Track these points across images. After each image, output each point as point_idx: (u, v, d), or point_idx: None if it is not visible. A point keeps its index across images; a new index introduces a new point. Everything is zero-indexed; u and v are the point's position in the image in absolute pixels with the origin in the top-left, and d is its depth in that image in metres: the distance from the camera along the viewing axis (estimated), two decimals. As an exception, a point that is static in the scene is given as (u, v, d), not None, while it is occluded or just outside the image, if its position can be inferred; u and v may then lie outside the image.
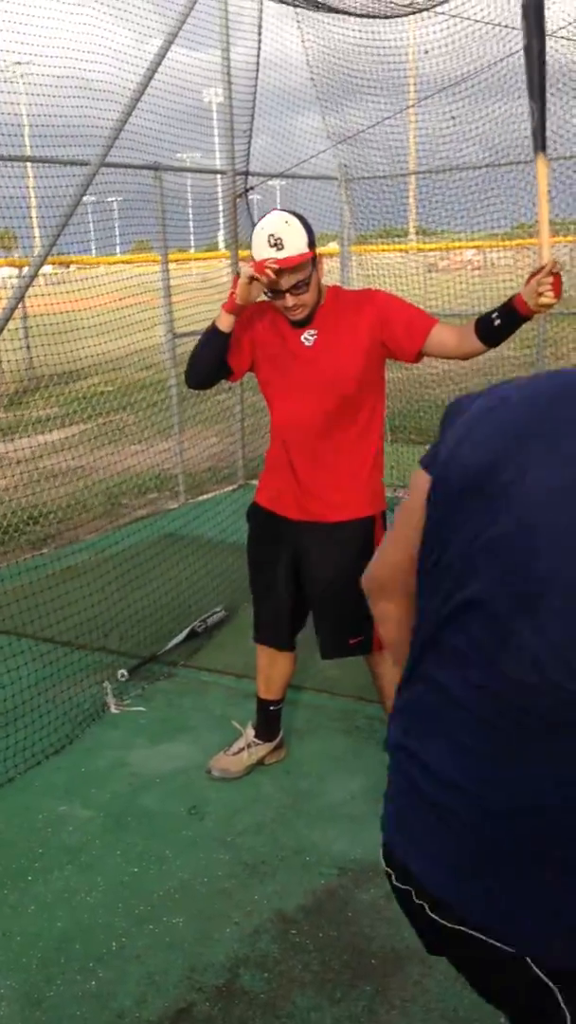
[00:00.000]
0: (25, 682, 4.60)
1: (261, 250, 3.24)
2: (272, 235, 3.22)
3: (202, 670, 4.92)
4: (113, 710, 4.56)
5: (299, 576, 3.69)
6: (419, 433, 9.77)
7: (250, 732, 4.02)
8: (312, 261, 3.29)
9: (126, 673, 4.76)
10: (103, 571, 5.79)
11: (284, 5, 6.65)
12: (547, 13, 3.20)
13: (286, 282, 3.26)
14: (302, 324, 3.41)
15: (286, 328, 3.45)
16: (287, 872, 3.35)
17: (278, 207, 3.32)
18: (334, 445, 3.47)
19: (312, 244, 3.28)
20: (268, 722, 4.00)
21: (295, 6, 6.61)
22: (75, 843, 3.58)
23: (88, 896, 3.28)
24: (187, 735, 4.29)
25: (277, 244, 3.22)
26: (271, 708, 3.99)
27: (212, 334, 3.44)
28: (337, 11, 6.51)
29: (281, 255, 3.22)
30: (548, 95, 3.25)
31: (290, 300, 3.30)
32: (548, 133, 3.24)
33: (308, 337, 3.42)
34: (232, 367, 3.55)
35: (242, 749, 3.99)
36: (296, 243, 3.23)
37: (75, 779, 4.02)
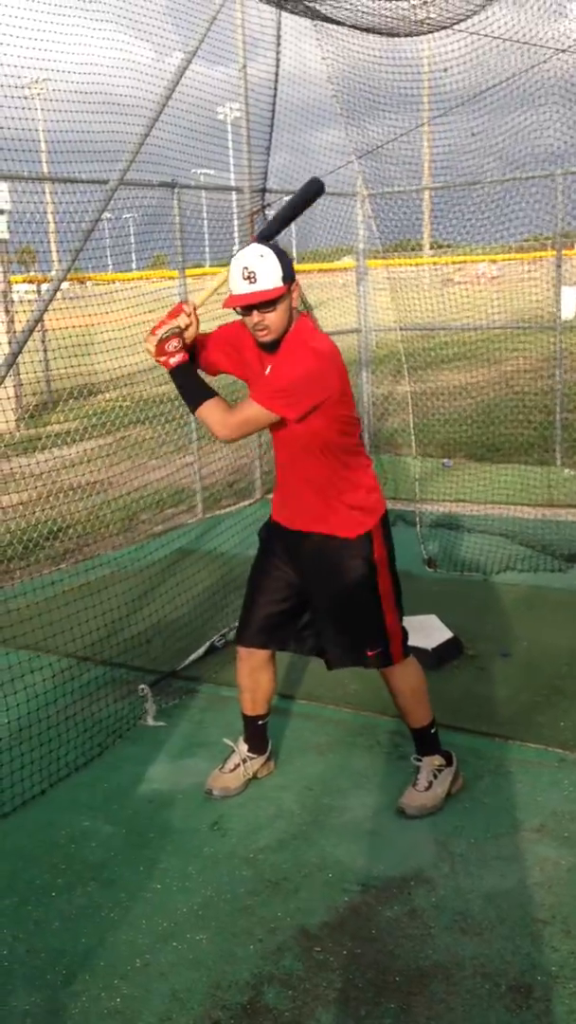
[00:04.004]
0: (45, 698, 4.62)
1: (235, 282, 3.32)
2: (246, 268, 3.30)
3: (222, 685, 4.93)
4: (150, 721, 4.57)
5: (300, 588, 3.76)
6: (436, 447, 9.77)
7: (243, 747, 4.03)
8: (287, 292, 3.36)
9: (146, 688, 4.77)
10: (122, 587, 5.81)
11: (303, 18, 6.67)
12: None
13: (257, 314, 3.35)
14: (269, 350, 3.47)
15: (258, 354, 3.54)
16: (310, 889, 3.34)
17: (256, 243, 3.38)
18: (300, 469, 3.61)
19: (288, 277, 3.34)
20: (257, 736, 4.04)
21: (313, 19, 6.63)
22: (98, 859, 3.58)
23: (112, 912, 3.28)
24: (208, 750, 4.29)
25: (250, 277, 3.30)
26: (258, 723, 4.03)
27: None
28: (355, 27, 6.54)
29: (254, 288, 3.30)
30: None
31: (256, 316, 3.35)
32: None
33: (268, 369, 3.50)
34: (203, 364, 3.69)
35: (238, 765, 4.00)
36: (270, 277, 3.30)
37: (97, 795, 4.03)
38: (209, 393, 3.49)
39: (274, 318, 3.36)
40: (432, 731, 3.85)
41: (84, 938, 3.16)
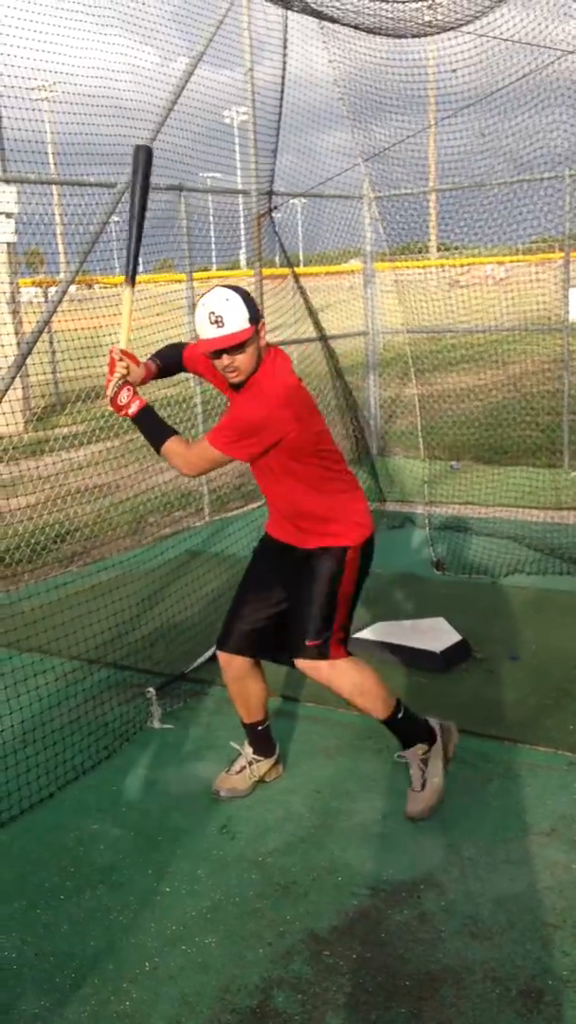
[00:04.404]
0: (53, 700, 4.62)
1: (203, 328, 3.41)
2: (213, 313, 3.37)
3: (230, 688, 4.91)
4: (156, 724, 4.56)
5: (282, 597, 3.83)
6: (444, 449, 9.76)
7: (248, 750, 4.04)
8: (254, 333, 3.42)
9: (153, 691, 4.76)
10: (130, 589, 5.81)
11: (310, 20, 6.67)
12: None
13: (227, 357, 3.42)
14: (235, 389, 3.55)
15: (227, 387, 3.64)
16: (319, 892, 3.33)
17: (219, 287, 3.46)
18: (275, 496, 3.75)
19: (254, 318, 3.42)
20: (261, 740, 4.04)
21: (320, 20, 6.63)
22: (107, 862, 3.58)
23: (120, 915, 3.28)
24: (217, 753, 4.29)
25: (218, 322, 3.37)
26: (259, 729, 4.03)
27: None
28: (361, 28, 6.54)
29: (222, 332, 3.37)
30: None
31: (225, 359, 3.43)
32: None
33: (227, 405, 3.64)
34: (186, 364, 3.85)
35: (244, 767, 4.01)
36: (236, 320, 3.38)
37: (106, 798, 4.02)
38: (170, 432, 3.65)
39: (243, 359, 3.44)
40: (400, 718, 3.83)
41: (93, 941, 3.16)
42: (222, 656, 3.91)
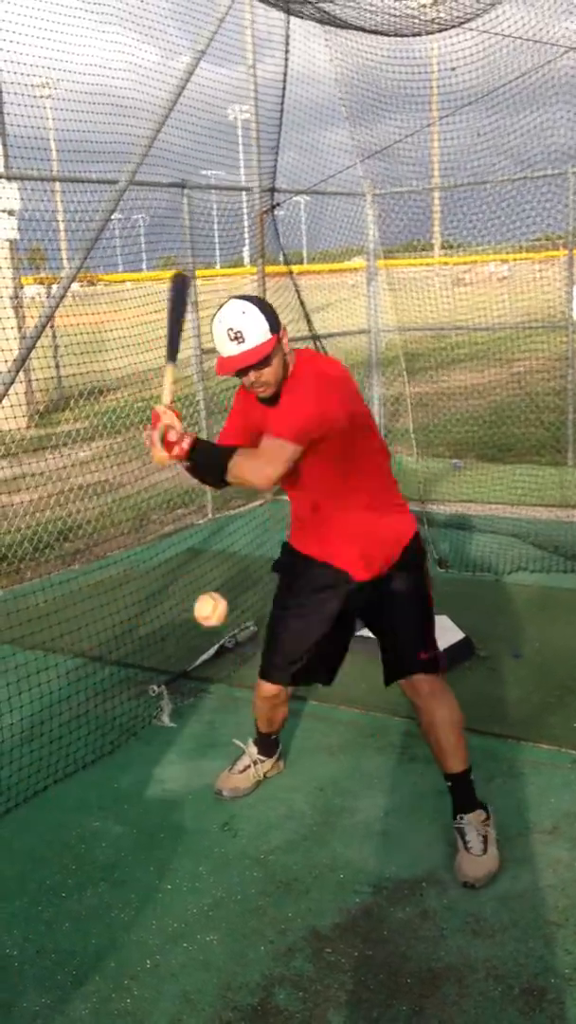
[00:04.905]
0: (55, 697, 4.62)
1: (223, 345, 3.19)
2: (231, 329, 3.16)
3: (234, 686, 4.91)
4: (166, 720, 4.57)
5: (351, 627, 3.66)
6: (447, 447, 9.74)
7: (253, 749, 4.01)
8: (277, 343, 3.21)
9: (156, 688, 4.76)
10: (133, 586, 5.81)
11: (310, 22, 6.67)
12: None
13: (253, 373, 3.22)
14: (271, 403, 3.31)
15: (262, 408, 3.37)
16: (321, 890, 3.33)
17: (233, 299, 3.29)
18: (341, 506, 3.44)
19: (274, 327, 3.20)
20: (269, 744, 4.02)
21: (321, 23, 6.63)
22: (108, 859, 3.58)
23: (122, 913, 3.27)
24: (220, 751, 4.28)
25: (238, 338, 3.16)
26: (272, 737, 4.01)
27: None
28: (364, 30, 6.53)
29: (243, 348, 3.16)
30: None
31: (252, 375, 3.22)
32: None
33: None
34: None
35: (248, 767, 3.98)
36: (256, 333, 3.16)
37: (108, 795, 4.02)
38: (230, 450, 3.29)
39: (270, 372, 3.22)
40: (471, 777, 3.52)
41: (94, 939, 3.15)
42: (266, 686, 3.73)
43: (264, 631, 5.31)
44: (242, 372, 3.23)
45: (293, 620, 3.62)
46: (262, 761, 4.00)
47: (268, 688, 3.74)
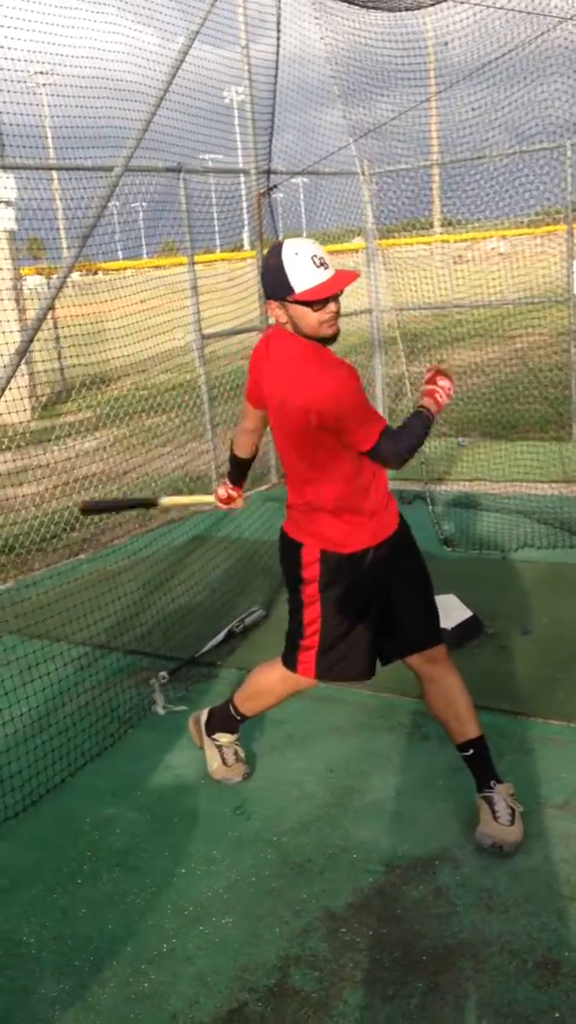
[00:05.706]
0: (63, 685, 4.63)
1: (309, 275, 3.07)
2: (315, 256, 3.07)
3: (242, 670, 4.91)
4: (160, 711, 4.57)
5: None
6: (451, 425, 9.72)
7: (226, 738, 3.92)
8: None
9: (166, 675, 4.77)
10: (139, 574, 5.82)
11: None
12: None
13: (334, 304, 3.17)
14: (332, 342, 3.26)
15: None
16: (334, 870, 3.34)
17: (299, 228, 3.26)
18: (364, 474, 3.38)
19: None
20: (234, 721, 3.92)
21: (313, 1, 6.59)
22: (123, 845, 3.60)
23: (137, 898, 3.29)
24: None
25: (323, 263, 3.08)
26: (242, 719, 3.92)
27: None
28: (356, 4, 6.48)
29: (330, 273, 3.10)
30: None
31: (332, 305, 3.15)
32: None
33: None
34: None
35: (236, 752, 3.94)
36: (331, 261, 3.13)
37: (120, 782, 4.04)
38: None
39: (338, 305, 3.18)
40: (487, 744, 3.49)
41: (111, 924, 3.17)
42: (305, 681, 3.63)
43: (272, 615, 5.32)
44: (323, 304, 3.12)
45: (356, 619, 3.47)
46: (236, 742, 3.94)
47: (308, 683, 3.64)
